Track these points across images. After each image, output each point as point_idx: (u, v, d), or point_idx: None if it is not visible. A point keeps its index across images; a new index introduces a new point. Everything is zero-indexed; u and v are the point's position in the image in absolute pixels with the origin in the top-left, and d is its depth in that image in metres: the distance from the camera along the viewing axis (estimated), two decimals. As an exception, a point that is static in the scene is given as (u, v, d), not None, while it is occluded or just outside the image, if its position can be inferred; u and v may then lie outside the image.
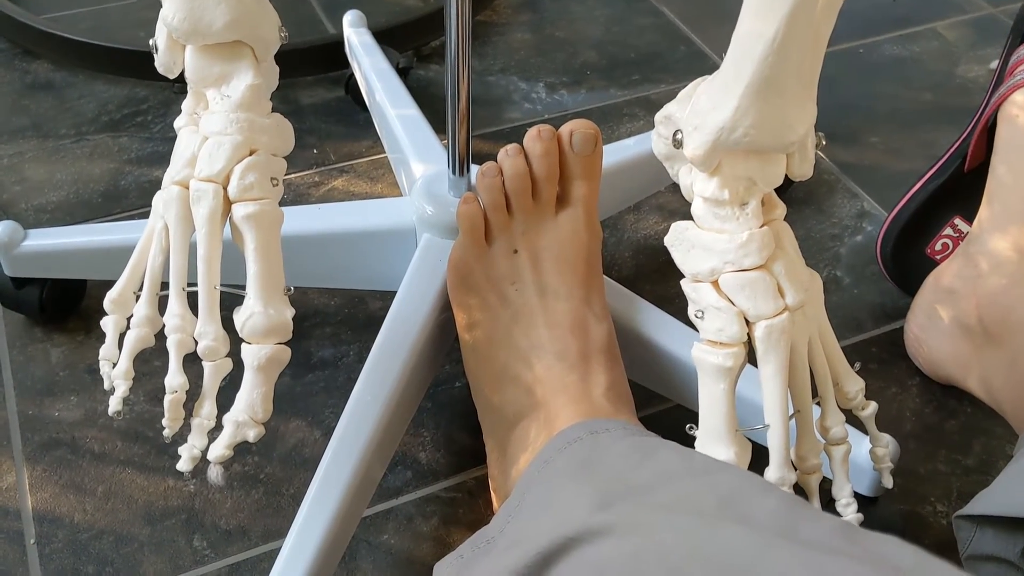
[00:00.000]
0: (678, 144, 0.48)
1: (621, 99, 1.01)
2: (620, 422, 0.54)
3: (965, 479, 0.68)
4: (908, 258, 0.79)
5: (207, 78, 0.51)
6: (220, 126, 0.50)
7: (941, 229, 0.77)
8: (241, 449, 0.68)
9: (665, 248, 0.53)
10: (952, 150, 0.76)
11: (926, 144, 0.97)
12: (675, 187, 0.88)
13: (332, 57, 0.99)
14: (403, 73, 0.92)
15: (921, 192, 0.77)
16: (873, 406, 0.55)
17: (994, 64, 1.07)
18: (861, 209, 0.89)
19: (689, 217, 0.52)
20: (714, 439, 0.50)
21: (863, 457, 0.61)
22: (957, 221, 0.76)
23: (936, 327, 0.72)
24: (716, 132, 0.46)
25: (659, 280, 0.80)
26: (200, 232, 0.49)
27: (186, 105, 0.53)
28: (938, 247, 0.77)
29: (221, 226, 0.50)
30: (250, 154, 0.50)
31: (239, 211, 0.49)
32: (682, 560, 0.35)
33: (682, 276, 0.53)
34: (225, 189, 0.50)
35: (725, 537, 0.35)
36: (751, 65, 0.43)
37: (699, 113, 0.47)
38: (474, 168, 0.65)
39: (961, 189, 0.75)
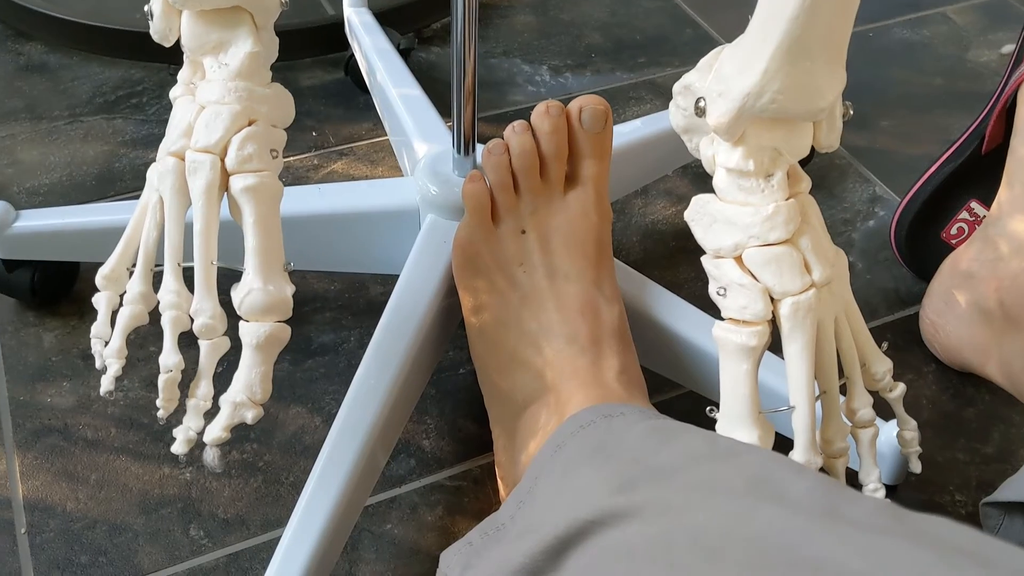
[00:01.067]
0: (701, 112, 0.46)
1: (627, 82, 0.99)
2: (634, 406, 0.52)
3: (984, 468, 0.67)
4: (923, 242, 0.77)
5: (204, 46, 0.49)
6: (218, 95, 0.48)
7: (957, 213, 0.75)
8: (239, 436, 0.67)
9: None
10: (968, 132, 0.74)
11: (938, 129, 0.95)
12: (683, 171, 0.86)
13: (331, 38, 0.97)
14: (404, 55, 0.90)
15: (936, 175, 0.75)
16: (901, 387, 0.53)
17: (1006, 49, 1.05)
18: (873, 194, 0.88)
19: None
20: (736, 422, 0.48)
21: (882, 443, 0.60)
22: (973, 204, 0.74)
23: (953, 312, 0.70)
24: (742, 98, 0.43)
25: (668, 266, 0.78)
26: (196, 205, 0.47)
27: (182, 75, 0.50)
28: (954, 231, 0.76)
29: (219, 199, 0.47)
30: (249, 124, 0.48)
31: (237, 183, 0.47)
32: (717, 541, 0.33)
33: (701, 253, 0.51)
34: (223, 161, 0.47)
35: (763, 517, 0.33)
36: (780, 25, 0.41)
37: (724, 79, 0.44)
38: (479, 147, 0.64)
39: (978, 172, 0.73)
